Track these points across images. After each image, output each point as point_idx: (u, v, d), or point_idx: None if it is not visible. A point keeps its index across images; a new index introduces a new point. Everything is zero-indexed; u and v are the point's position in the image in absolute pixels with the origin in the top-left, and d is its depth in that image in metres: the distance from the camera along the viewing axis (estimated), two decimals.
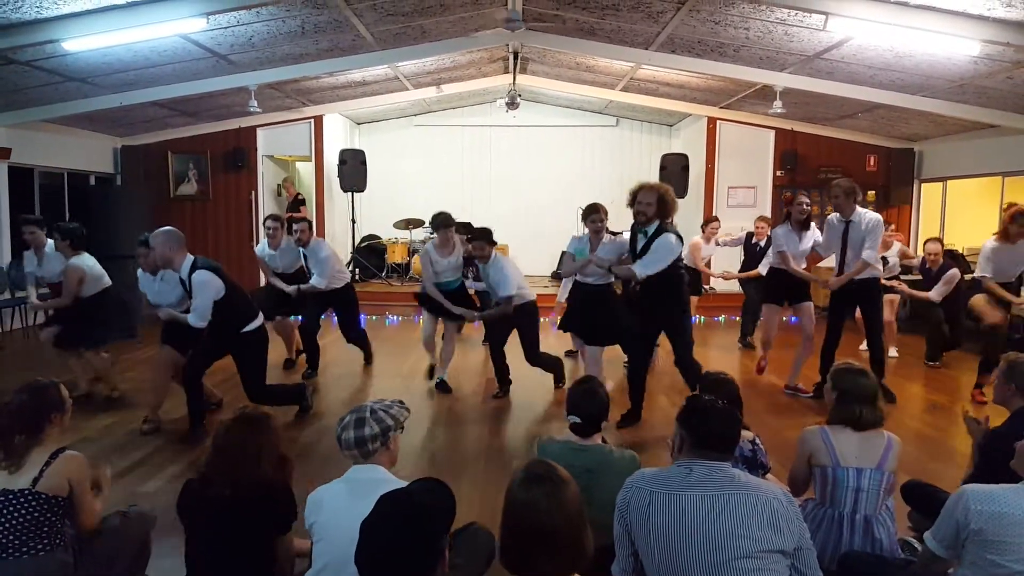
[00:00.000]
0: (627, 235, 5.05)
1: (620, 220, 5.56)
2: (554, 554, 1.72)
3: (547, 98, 12.01)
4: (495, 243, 5.67)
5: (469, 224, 10.53)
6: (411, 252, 11.23)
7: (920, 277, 7.03)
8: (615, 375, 5.99)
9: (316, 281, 6.19)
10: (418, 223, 10.79)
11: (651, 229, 4.69)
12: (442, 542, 1.63)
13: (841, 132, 10.68)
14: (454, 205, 11.44)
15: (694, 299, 7.18)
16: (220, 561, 2.33)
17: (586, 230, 5.28)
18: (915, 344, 7.51)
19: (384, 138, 12.62)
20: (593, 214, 5.15)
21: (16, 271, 8.50)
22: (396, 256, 11.39)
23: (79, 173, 10.08)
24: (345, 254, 10.92)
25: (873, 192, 10.61)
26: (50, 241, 5.73)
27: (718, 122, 10.88)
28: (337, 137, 11.60)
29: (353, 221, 11.36)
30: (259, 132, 11.00)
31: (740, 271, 8.02)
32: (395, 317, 9.75)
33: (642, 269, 4.67)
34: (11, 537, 2.37)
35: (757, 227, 7.69)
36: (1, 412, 2.51)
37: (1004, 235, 5.38)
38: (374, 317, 9.41)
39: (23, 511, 2.38)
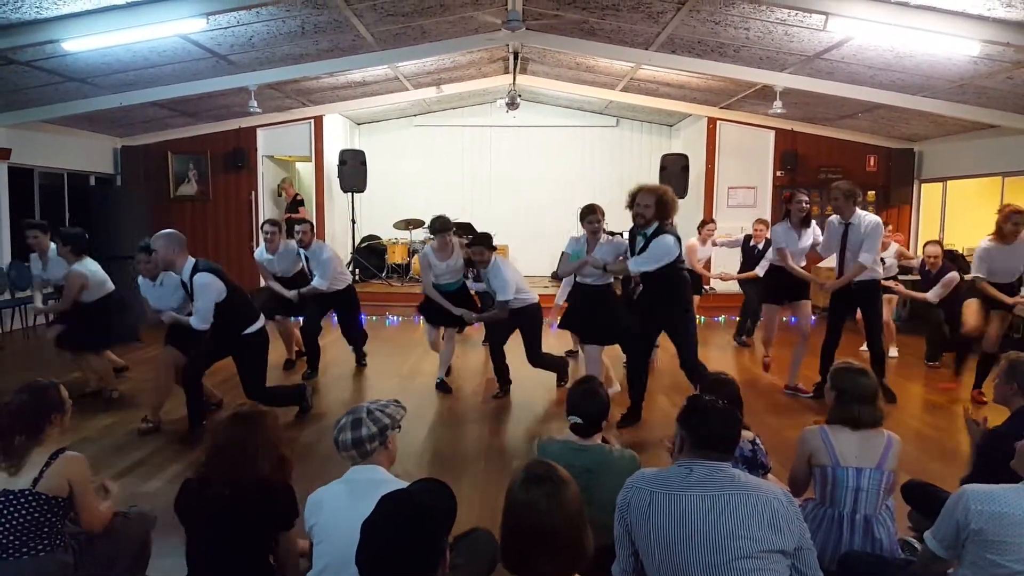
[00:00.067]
0: (627, 235, 5.06)
1: (619, 220, 5.57)
2: (554, 554, 1.72)
3: (547, 98, 12.02)
4: (494, 248, 5.67)
5: (469, 225, 10.59)
6: (411, 252, 11.24)
7: (919, 278, 7.04)
8: (618, 374, 5.99)
9: (318, 283, 6.18)
10: (418, 223, 10.80)
11: (650, 231, 4.70)
12: (443, 542, 1.62)
13: (841, 132, 10.69)
14: (454, 205, 11.49)
15: (695, 299, 7.18)
16: (220, 561, 2.33)
17: (583, 231, 5.28)
18: (915, 344, 7.51)
19: (384, 138, 12.62)
20: (590, 215, 5.16)
21: (16, 271, 8.52)
22: (396, 256, 11.39)
23: (79, 173, 10.08)
24: (345, 254, 10.92)
25: (873, 192, 10.63)
26: (53, 244, 5.74)
27: (718, 122, 10.88)
28: (337, 137, 11.60)
29: (353, 221, 11.36)
30: (259, 132, 11.00)
31: (738, 273, 8.04)
32: (395, 317, 9.75)
33: (635, 265, 4.74)
34: (11, 538, 2.37)
35: (755, 230, 7.70)
36: (1, 412, 2.50)
37: (998, 235, 5.39)
38: (374, 317, 9.40)
39: (23, 512, 2.38)
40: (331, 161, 11.15)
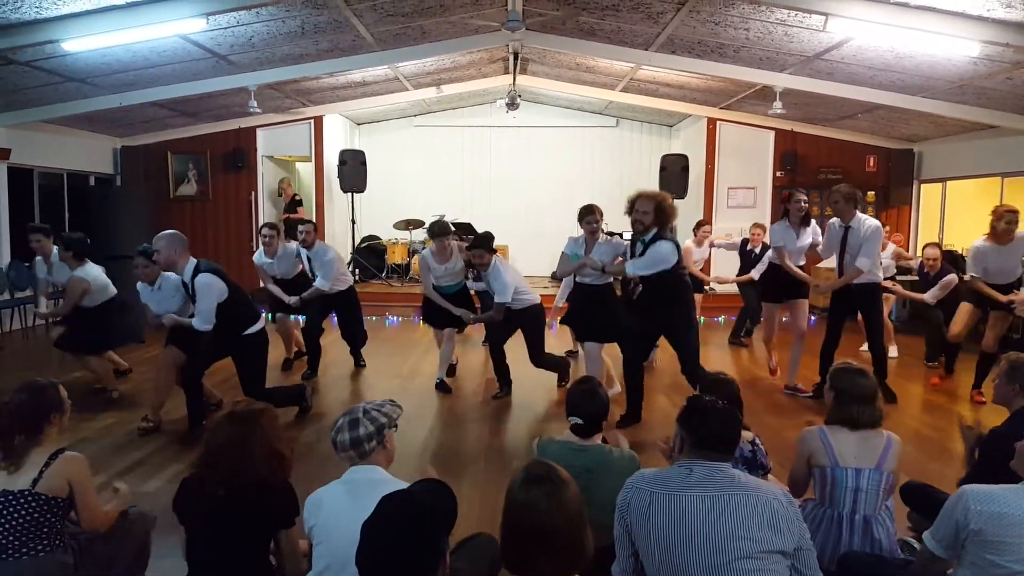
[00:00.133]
0: (627, 236, 5.06)
1: (619, 221, 5.57)
2: (554, 554, 1.72)
3: (547, 99, 12.02)
4: (494, 250, 5.68)
5: (469, 225, 10.59)
6: (411, 253, 11.24)
7: (917, 279, 7.04)
8: (619, 374, 5.98)
9: (320, 284, 6.18)
10: (418, 224, 10.80)
11: (649, 237, 4.73)
12: (443, 543, 1.62)
13: (841, 133, 10.69)
14: (454, 205, 11.54)
15: (696, 297, 7.20)
16: (219, 560, 2.33)
17: (582, 231, 5.29)
18: (915, 345, 7.52)
19: (384, 138, 12.62)
20: (588, 215, 5.17)
21: (15, 272, 8.52)
22: (396, 257, 11.39)
23: (79, 174, 10.08)
24: (345, 255, 10.91)
25: (873, 193, 10.63)
26: (56, 248, 5.75)
27: (718, 123, 10.88)
28: (337, 137, 11.60)
29: (353, 222, 11.37)
30: (259, 132, 11.00)
31: (736, 276, 8.06)
32: (395, 318, 9.76)
33: (632, 268, 4.79)
34: (11, 538, 2.37)
35: (752, 234, 7.72)
36: (0, 412, 2.50)
37: (992, 234, 5.42)
38: (374, 318, 9.40)
39: (23, 512, 2.38)
40: (331, 161, 11.14)
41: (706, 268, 8.17)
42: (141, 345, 6.48)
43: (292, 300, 6.29)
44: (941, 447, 4.70)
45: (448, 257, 5.88)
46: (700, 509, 2.00)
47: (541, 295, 5.95)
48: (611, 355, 5.58)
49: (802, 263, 6.00)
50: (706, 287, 8.20)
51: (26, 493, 2.39)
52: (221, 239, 10.90)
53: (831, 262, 5.86)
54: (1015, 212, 5.33)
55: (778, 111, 8.39)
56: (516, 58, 9.13)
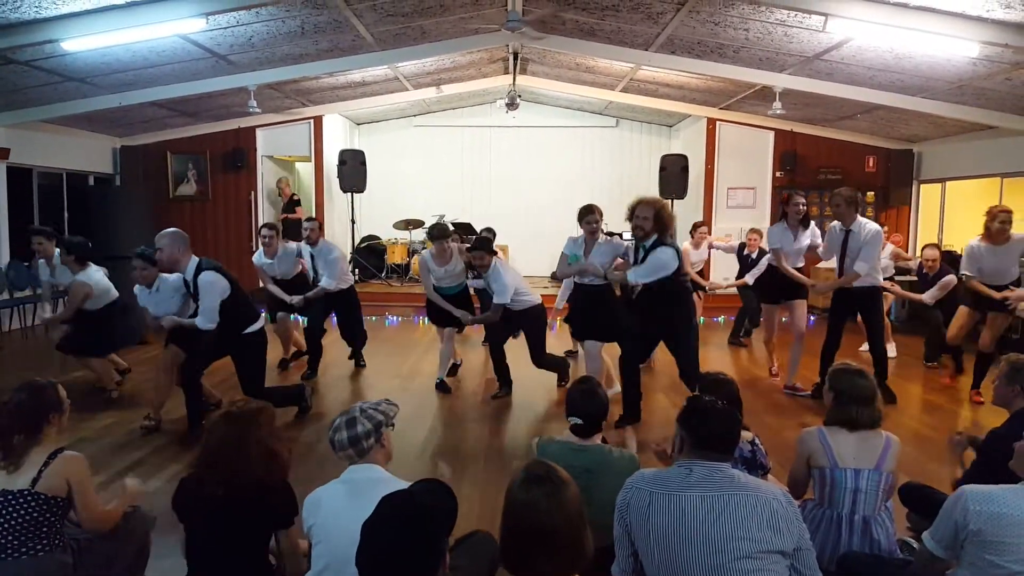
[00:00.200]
0: (627, 236, 5.06)
1: (619, 221, 5.56)
2: (554, 554, 1.72)
3: (547, 99, 12.02)
4: (495, 252, 5.68)
5: (469, 225, 10.58)
6: (411, 253, 11.25)
7: (916, 279, 7.05)
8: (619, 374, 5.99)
9: (326, 282, 6.19)
10: (418, 224, 10.81)
11: (649, 243, 4.75)
12: (443, 543, 1.62)
13: (840, 133, 10.69)
14: (454, 205, 11.55)
15: (698, 296, 7.21)
16: (218, 559, 2.33)
17: (582, 231, 5.29)
18: (914, 345, 7.52)
19: (384, 138, 12.62)
20: (588, 215, 5.17)
21: (15, 272, 8.51)
22: (396, 257, 11.40)
23: (78, 173, 10.07)
24: (345, 254, 10.91)
25: (872, 193, 10.64)
26: (57, 250, 5.75)
27: (718, 123, 10.88)
28: (337, 137, 11.60)
29: (353, 222, 11.37)
30: (258, 132, 11.00)
31: (735, 279, 8.07)
32: (395, 318, 9.76)
33: (634, 276, 4.80)
34: (10, 538, 2.37)
35: (749, 239, 7.72)
36: (0, 412, 2.50)
37: (987, 234, 5.44)
38: (374, 318, 9.40)
39: (22, 511, 2.38)
40: (331, 161, 11.15)
41: (705, 269, 8.16)
42: (143, 346, 6.49)
43: (296, 300, 6.29)
44: (940, 448, 4.68)
45: (448, 259, 5.88)
46: (700, 509, 2.00)
47: (541, 295, 5.96)
48: (611, 355, 5.59)
49: (801, 264, 6.01)
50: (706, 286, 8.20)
51: (25, 493, 2.39)
52: (221, 239, 10.90)
53: (831, 262, 5.87)
54: (1009, 212, 5.36)
55: (778, 111, 8.40)
56: (516, 58, 9.13)
